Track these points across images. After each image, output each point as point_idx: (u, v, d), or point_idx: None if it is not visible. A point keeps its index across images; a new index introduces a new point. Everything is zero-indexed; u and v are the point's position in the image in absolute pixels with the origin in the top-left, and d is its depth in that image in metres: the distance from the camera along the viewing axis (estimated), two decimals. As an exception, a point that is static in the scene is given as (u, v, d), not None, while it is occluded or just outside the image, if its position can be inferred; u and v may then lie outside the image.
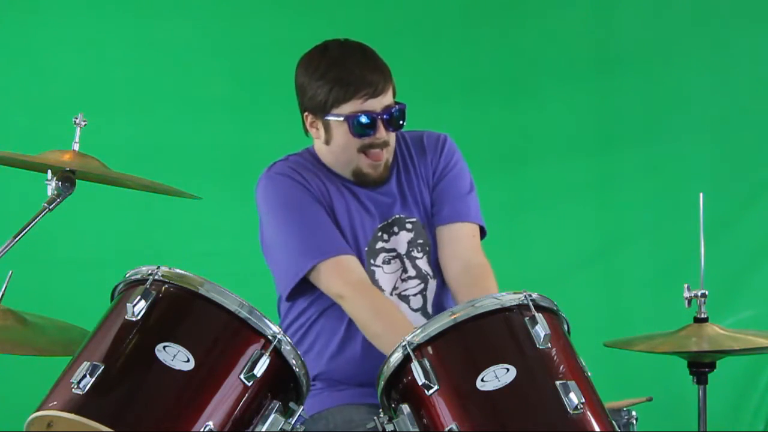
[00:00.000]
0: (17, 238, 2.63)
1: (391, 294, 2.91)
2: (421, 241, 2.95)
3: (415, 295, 2.93)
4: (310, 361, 2.87)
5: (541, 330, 2.27)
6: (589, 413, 2.21)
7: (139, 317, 2.26)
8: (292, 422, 2.30)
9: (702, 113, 4.82)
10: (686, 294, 2.91)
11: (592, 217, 4.78)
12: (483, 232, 2.99)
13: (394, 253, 2.92)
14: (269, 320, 2.29)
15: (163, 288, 2.31)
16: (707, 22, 4.86)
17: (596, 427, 2.20)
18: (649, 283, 4.75)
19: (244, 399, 2.24)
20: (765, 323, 4.61)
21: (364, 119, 2.83)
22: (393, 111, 2.86)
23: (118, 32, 4.47)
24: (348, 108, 2.83)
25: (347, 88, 2.82)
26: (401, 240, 2.93)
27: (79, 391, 2.17)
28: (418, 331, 2.30)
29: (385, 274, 2.91)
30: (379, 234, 2.92)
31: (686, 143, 4.80)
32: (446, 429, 2.20)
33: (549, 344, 2.27)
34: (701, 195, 2.99)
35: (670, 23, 4.85)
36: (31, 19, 4.41)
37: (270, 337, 2.28)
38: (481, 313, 2.30)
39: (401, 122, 2.88)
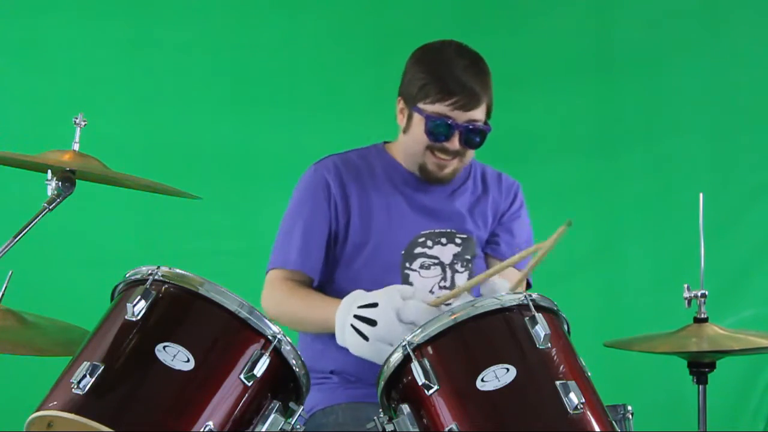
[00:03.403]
0: (17, 238, 2.62)
1: None
2: (468, 256, 2.97)
3: (448, 305, 2.94)
4: (333, 351, 2.85)
5: (541, 330, 2.27)
6: (589, 413, 2.20)
7: (139, 317, 2.26)
8: (292, 422, 2.30)
9: (702, 113, 4.82)
10: (686, 294, 2.91)
11: (592, 217, 4.76)
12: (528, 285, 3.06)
13: (436, 261, 2.94)
14: (269, 320, 2.29)
15: (163, 288, 2.31)
16: (707, 23, 4.86)
17: (596, 427, 2.20)
18: (649, 283, 4.75)
19: (244, 399, 2.24)
20: (765, 323, 4.61)
21: (441, 125, 2.84)
22: (472, 127, 2.85)
23: (118, 32, 4.47)
24: (433, 108, 2.84)
25: (441, 89, 2.82)
26: (447, 252, 2.96)
27: (79, 391, 2.16)
28: (418, 330, 2.30)
29: (422, 278, 2.93)
30: (422, 240, 2.94)
31: (686, 143, 4.80)
32: (446, 429, 2.20)
33: (549, 344, 2.27)
34: (701, 195, 2.99)
35: (670, 23, 4.84)
36: (31, 20, 4.41)
37: (270, 337, 2.28)
38: (481, 313, 2.29)
39: (477, 141, 2.88)
